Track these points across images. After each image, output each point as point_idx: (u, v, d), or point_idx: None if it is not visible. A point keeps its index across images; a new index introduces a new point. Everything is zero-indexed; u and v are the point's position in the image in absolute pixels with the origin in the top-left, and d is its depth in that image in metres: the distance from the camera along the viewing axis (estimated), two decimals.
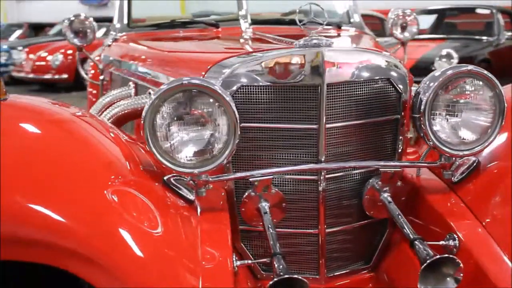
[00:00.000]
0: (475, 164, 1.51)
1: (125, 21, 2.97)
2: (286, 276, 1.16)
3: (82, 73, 3.22)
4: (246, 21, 2.40)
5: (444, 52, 6.33)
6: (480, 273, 1.27)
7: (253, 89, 1.44)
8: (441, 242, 1.36)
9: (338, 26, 2.85)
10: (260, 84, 1.44)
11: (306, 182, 1.48)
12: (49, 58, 9.95)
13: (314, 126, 1.43)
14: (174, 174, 1.40)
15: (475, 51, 6.75)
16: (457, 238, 1.34)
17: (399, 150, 1.56)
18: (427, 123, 1.40)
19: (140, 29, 2.96)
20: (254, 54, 1.53)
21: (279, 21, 3.03)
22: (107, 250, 1.10)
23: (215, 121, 1.34)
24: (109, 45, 2.92)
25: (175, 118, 1.32)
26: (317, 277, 1.52)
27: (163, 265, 1.16)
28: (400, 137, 1.55)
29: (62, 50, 9.92)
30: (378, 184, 1.49)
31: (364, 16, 9.88)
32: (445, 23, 8.44)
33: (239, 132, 1.33)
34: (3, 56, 8.92)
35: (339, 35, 2.61)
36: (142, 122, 1.30)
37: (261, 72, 1.44)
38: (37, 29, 14.56)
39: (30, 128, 1.33)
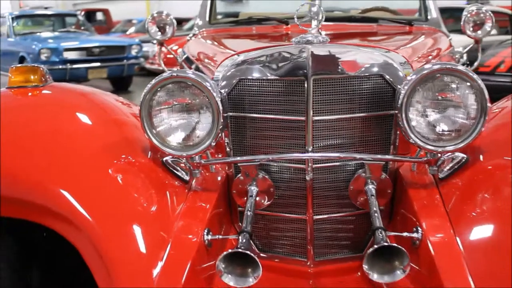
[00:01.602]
0: (463, 161, 1.52)
1: (207, 18, 3.20)
2: (239, 250, 1.29)
3: (163, 65, 3.50)
4: (317, 18, 2.52)
5: None
6: (433, 268, 1.30)
7: (249, 82, 1.58)
8: (405, 234, 1.40)
9: (410, 24, 2.86)
10: (254, 77, 1.57)
11: (295, 171, 1.58)
12: (179, 51, 10.58)
13: (302, 118, 1.53)
14: (172, 157, 1.58)
15: None
16: (421, 232, 1.38)
17: (396, 144, 1.61)
18: (405, 119, 1.44)
19: (219, 26, 3.18)
20: (256, 51, 1.66)
21: (351, 19, 3.09)
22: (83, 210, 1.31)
23: (201, 110, 1.49)
24: (188, 40, 3.17)
25: (167, 106, 1.50)
26: (305, 260, 1.62)
27: (134, 229, 1.35)
28: (397, 132, 1.59)
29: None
30: (363, 176, 1.56)
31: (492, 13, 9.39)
32: None
33: (222, 121, 1.47)
34: (134, 49, 9.66)
35: (395, 34, 2.63)
36: (139, 108, 1.49)
37: (257, 67, 1.57)
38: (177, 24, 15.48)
39: (56, 107, 1.58)
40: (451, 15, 8.85)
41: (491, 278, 1.26)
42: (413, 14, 3.28)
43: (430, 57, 2.34)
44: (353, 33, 2.68)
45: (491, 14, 2.91)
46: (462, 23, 2.92)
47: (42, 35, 10.03)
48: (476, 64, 3.20)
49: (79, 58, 8.95)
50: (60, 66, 8.66)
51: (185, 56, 2.92)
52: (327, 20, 2.81)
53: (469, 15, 2.87)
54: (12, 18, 10.06)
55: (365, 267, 1.29)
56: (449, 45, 2.87)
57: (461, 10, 9.51)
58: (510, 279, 1.23)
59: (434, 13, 3.08)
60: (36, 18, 11.57)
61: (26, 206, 1.37)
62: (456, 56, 3.03)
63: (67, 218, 1.33)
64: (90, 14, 18.66)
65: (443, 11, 8.29)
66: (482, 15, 2.88)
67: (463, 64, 5.70)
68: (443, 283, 1.26)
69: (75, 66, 8.87)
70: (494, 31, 9.11)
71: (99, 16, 19.82)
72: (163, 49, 3.28)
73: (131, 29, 16.05)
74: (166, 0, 22.57)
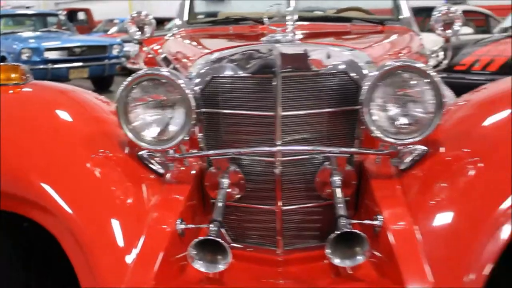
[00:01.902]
0: (423, 153, 1.61)
1: (185, 18, 3.27)
2: (209, 237, 1.37)
3: (142, 64, 3.57)
4: (291, 18, 2.59)
5: None
6: (392, 254, 1.38)
7: (221, 79, 1.66)
8: (367, 221, 1.49)
9: (382, 23, 2.96)
10: (227, 75, 1.65)
11: (265, 164, 1.66)
12: (160, 50, 10.62)
13: (271, 114, 1.61)
14: (147, 151, 1.65)
15: None
16: (382, 219, 1.47)
17: (361, 138, 1.70)
18: (367, 113, 1.53)
19: (197, 25, 3.25)
20: (229, 49, 1.74)
21: (326, 18, 3.18)
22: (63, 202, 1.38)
23: (175, 106, 1.57)
24: (167, 40, 3.24)
25: (142, 102, 1.57)
26: (275, 249, 1.70)
27: (111, 220, 1.42)
28: (362, 127, 1.67)
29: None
30: (329, 168, 1.64)
31: (469, 12, 9.65)
32: None
33: (194, 116, 1.55)
34: (116, 49, 9.70)
35: (367, 33, 2.72)
36: (115, 104, 1.56)
37: (229, 65, 1.65)
38: (158, 23, 15.52)
39: (35, 105, 1.65)
40: (429, 14, 8.96)
41: (447, 263, 1.34)
42: (388, 14, 3.38)
43: (400, 54, 2.43)
44: (327, 32, 2.77)
45: (461, 14, 3.01)
46: (431, 22, 3.02)
47: (23, 35, 10.01)
48: (446, 62, 3.30)
49: (60, 58, 8.97)
50: (41, 66, 8.67)
51: (163, 55, 2.99)
52: (303, 19, 2.91)
53: (439, 14, 2.97)
54: None
55: (327, 251, 1.37)
56: (419, 44, 2.97)
57: None
58: (465, 264, 1.32)
59: (406, 13, 3.18)
60: (17, 18, 11.54)
61: (9, 198, 1.44)
62: (427, 54, 3.14)
63: (47, 208, 1.40)
64: (72, 14, 18.59)
65: (422, 10, 8.47)
66: (451, 14, 2.97)
67: (439, 63, 5.82)
68: (401, 268, 1.34)
69: (56, 66, 8.88)
70: (470, 30, 9.44)
71: (81, 15, 19.76)
72: (144, 49, 3.33)
73: (113, 29, 16.02)
74: (149, 0, 22.59)
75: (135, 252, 1.40)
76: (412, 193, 1.53)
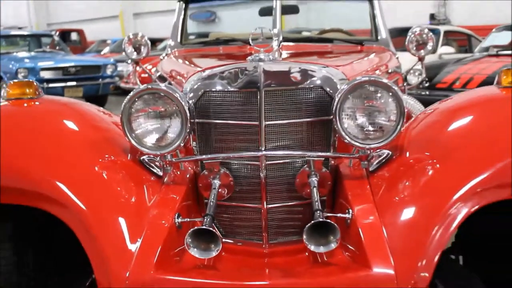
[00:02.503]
0: (388, 156, 1.85)
1: (178, 39, 3.53)
2: (203, 227, 1.59)
3: (138, 82, 3.80)
4: (277, 39, 2.83)
5: None
6: (360, 244, 1.60)
7: (212, 93, 1.89)
8: (339, 215, 1.72)
9: (361, 43, 3.23)
10: (217, 90, 1.88)
11: (251, 167, 1.89)
12: (153, 70, 10.89)
13: (256, 123, 1.84)
14: (148, 156, 1.88)
15: None
16: (352, 213, 1.70)
17: (335, 145, 1.93)
18: (338, 122, 1.77)
19: (189, 46, 3.51)
20: (219, 67, 1.97)
21: (309, 39, 3.44)
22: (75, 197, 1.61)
23: (172, 116, 1.80)
24: (161, 60, 3.48)
25: (143, 113, 1.80)
26: (261, 243, 1.92)
27: (118, 216, 1.64)
28: (336, 134, 1.91)
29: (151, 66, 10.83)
30: (307, 170, 1.87)
31: (452, 33, 9.99)
32: None
33: (188, 126, 1.78)
34: (109, 68, 9.95)
35: (346, 53, 2.98)
36: (120, 114, 1.79)
37: (219, 81, 1.89)
38: (151, 44, 15.79)
39: (47, 116, 1.88)
40: None
41: (405, 251, 1.56)
42: (367, 34, 3.65)
43: (377, 71, 2.69)
44: (310, 52, 3.02)
45: (432, 35, 3.28)
46: (406, 42, 3.28)
47: (19, 55, 10.25)
48: (420, 79, 3.56)
49: (56, 78, 9.21)
50: None
51: (158, 74, 3.23)
52: (290, 40, 3.17)
53: (413, 35, 3.23)
54: None
55: (304, 238, 1.59)
56: (395, 62, 3.24)
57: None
58: (419, 252, 1.54)
59: (383, 34, 3.46)
60: (12, 38, 11.78)
61: (29, 194, 1.66)
62: (403, 73, 3.40)
63: (62, 203, 1.62)
64: (65, 34, 18.87)
65: (406, 31, 8.78)
66: (424, 36, 3.25)
67: (423, 81, 6.25)
68: (368, 255, 1.57)
69: (51, 85, 9.11)
70: (452, 50, 9.76)
71: (74, 36, 20.04)
72: (138, 68, 3.57)
73: (106, 49, 16.30)
74: (141, 20, 22.91)
75: (138, 243, 1.62)
76: (379, 191, 1.76)
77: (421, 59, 3.33)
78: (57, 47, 11.60)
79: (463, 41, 10.14)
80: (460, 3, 13.44)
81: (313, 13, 8.27)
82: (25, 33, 12.05)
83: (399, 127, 1.76)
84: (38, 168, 1.69)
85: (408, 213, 1.64)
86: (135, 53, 3.44)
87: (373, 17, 3.53)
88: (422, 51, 3.26)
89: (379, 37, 3.43)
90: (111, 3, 23.50)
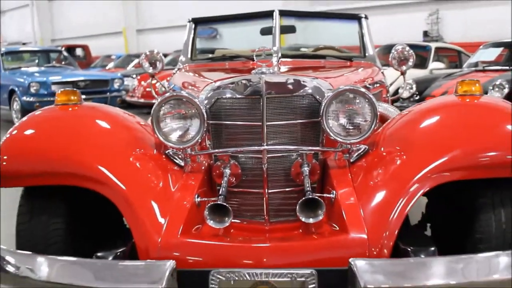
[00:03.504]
0: (366, 150, 2.30)
1: (189, 55, 4.00)
2: (218, 202, 2.03)
3: (154, 93, 4.27)
4: (276, 56, 3.29)
5: (497, 81, 6.86)
6: (342, 220, 2.04)
7: (223, 100, 2.34)
8: (325, 195, 2.16)
9: (350, 59, 3.70)
10: (227, 97, 2.33)
11: (256, 160, 2.34)
12: (157, 84, 11.38)
13: (259, 123, 2.29)
14: (172, 149, 2.33)
15: None
16: (335, 194, 2.14)
17: (324, 141, 2.38)
18: (325, 122, 2.22)
19: (198, 62, 3.98)
20: (228, 79, 2.42)
21: (304, 56, 3.92)
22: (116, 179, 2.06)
23: (192, 118, 2.26)
24: (174, 73, 3.95)
25: (170, 115, 2.25)
26: (263, 221, 2.36)
27: (150, 196, 2.09)
28: (324, 134, 2.35)
29: (169, 78, 11.30)
30: (300, 161, 2.32)
31: (443, 49, 10.48)
32: None
33: (205, 125, 2.23)
34: (117, 82, 10.43)
35: (337, 68, 3.44)
36: (151, 116, 2.25)
37: (229, 90, 2.34)
38: None
39: (90, 118, 2.33)
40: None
41: (375, 224, 1.99)
42: (357, 50, 4.12)
43: (364, 83, 3.14)
44: (305, 67, 3.49)
45: (412, 53, 3.74)
46: (390, 59, 3.74)
47: (30, 70, 10.76)
48: (401, 91, 4.02)
49: None
50: (48, 98, 9.37)
51: (172, 85, 3.69)
52: (288, 57, 3.64)
53: (395, 52, 3.70)
54: (2, 54, 10.76)
55: (297, 210, 2.03)
56: (380, 76, 3.70)
57: (417, 46, 10.54)
58: (384, 224, 1.97)
59: (370, 51, 3.94)
60: (22, 54, 12.29)
61: (80, 178, 2.10)
62: (388, 86, 3.86)
63: (107, 185, 2.07)
64: (70, 50, 19.37)
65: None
66: (406, 53, 3.71)
67: (413, 94, 6.92)
68: (347, 225, 2.00)
69: None
70: (442, 65, 10.26)
71: (78, 51, 20.58)
72: (154, 81, 4.02)
73: (110, 64, 16.82)
74: (144, 36, 23.44)
75: (167, 217, 2.05)
76: (358, 178, 2.21)
77: (403, 73, 3.79)
78: (63, 62, 12.10)
79: (454, 57, 10.65)
80: (452, 20, 14.01)
81: (309, 30, 8.79)
82: (35, 48, 12.56)
83: (373, 126, 2.21)
84: (87, 158, 2.13)
85: (379, 195, 2.08)
86: (151, 68, 3.91)
87: (361, 36, 4.01)
88: (404, 66, 3.71)
89: (366, 54, 3.91)
90: (115, 20, 24.11)
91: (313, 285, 1.83)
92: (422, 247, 2.01)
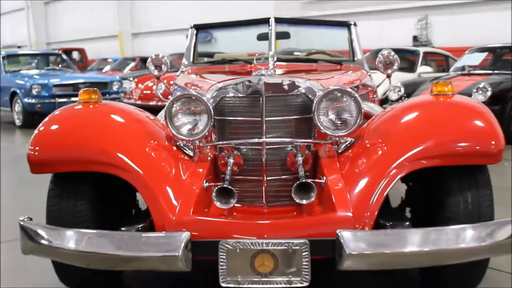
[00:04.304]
0: (352, 142, 2.64)
1: (191, 59, 4.33)
2: (224, 185, 2.36)
3: (159, 95, 4.60)
4: (272, 59, 3.62)
5: (481, 85, 7.23)
6: (331, 202, 2.37)
7: (227, 99, 2.67)
8: (316, 180, 2.49)
9: (340, 63, 4.05)
10: (230, 96, 2.66)
11: (256, 151, 2.66)
12: (154, 87, 11.71)
13: (259, 119, 2.62)
14: (183, 141, 2.66)
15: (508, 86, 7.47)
16: (325, 180, 2.47)
17: (315, 135, 2.71)
18: (316, 118, 2.55)
19: (200, 65, 4.31)
20: (231, 80, 2.75)
21: (298, 60, 4.26)
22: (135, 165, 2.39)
23: (201, 114, 2.58)
24: (178, 76, 4.27)
25: (181, 111, 2.58)
26: (263, 205, 2.68)
27: (165, 181, 2.42)
28: (316, 128, 2.68)
29: (165, 81, 11.62)
30: (295, 152, 2.65)
31: (431, 54, 10.86)
32: (503, 59, 9.19)
33: (212, 120, 2.55)
34: (116, 85, 10.74)
35: (328, 71, 3.78)
36: (164, 112, 2.57)
37: (231, 90, 2.67)
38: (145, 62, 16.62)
39: (109, 114, 2.66)
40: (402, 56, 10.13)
41: (360, 205, 2.31)
42: (347, 53, 4.46)
43: (353, 85, 3.48)
44: (299, 69, 3.82)
45: (397, 57, 4.08)
46: (376, 63, 4.08)
47: (30, 72, 11.05)
48: (387, 93, 4.37)
49: (66, 93, 9.98)
50: (49, 100, 9.67)
51: (176, 87, 4.02)
52: (282, 61, 3.98)
53: (381, 57, 4.04)
54: (3, 57, 11.05)
55: (292, 192, 2.36)
56: (368, 78, 4.04)
57: (406, 51, 10.87)
58: (366, 207, 2.29)
59: (359, 56, 4.28)
60: (21, 57, 12.58)
61: (103, 164, 2.42)
62: (375, 88, 4.20)
63: (127, 170, 2.39)
64: (66, 53, 19.62)
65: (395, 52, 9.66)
66: (391, 57, 4.05)
67: (401, 97, 7.37)
68: (335, 206, 2.33)
69: (62, 100, 9.88)
70: (430, 69, 10.64)
71: (75, 55, 20.84)
72: (160, 85, 4.34)
73: (107, 67, 17.11)
74: (139, 39, 23.72)
75: (179, 200, 2.38)
76: (345, 166, 2.54)
77: (388, 76, 4.13)
78: (60, 65, 12.40)
79: (442, 61, 11.03)
80: (441, 26, 14.43)
81: (302, 35, 9.17)
82: (35, 52, 12.85)
83: (358, 120, 2.54)
84: (109, 147, 2.45)
85: (363, 180, 2.41)
86: (156, 70, 4.22)
87: (350, 42, 4.36)
88: (389, 70, 4.05)
89: (355, 58, 4.26)
90: (110, 24, 24.40)
91: (306, 253, 2.16)
92: (398, 222, 2.35)
